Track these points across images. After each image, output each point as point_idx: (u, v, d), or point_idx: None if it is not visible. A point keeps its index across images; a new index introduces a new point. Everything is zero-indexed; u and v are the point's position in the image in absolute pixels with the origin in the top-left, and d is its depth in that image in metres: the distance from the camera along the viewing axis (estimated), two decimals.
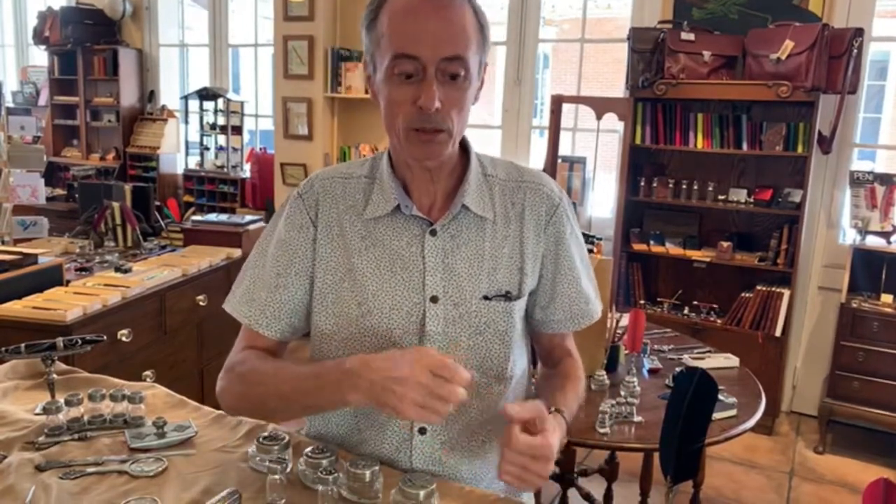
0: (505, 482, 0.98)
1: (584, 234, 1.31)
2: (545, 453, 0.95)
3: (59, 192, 5.76)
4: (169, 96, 5.82)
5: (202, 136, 5.51)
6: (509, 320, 1.13)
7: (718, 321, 3.73)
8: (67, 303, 2.39)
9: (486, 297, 1.11)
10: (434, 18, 0.98)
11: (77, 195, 4.03)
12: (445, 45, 0.98)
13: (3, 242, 3.27)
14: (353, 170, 1.18)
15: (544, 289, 1.18)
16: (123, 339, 2.52)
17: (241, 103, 5.35)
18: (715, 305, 3.82)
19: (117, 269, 2.86)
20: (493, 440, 1.17)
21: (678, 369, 1.70)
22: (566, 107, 3.94)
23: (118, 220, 3.42)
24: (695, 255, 3.80)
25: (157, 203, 4.14)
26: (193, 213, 5.10)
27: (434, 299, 1.10)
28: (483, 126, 4.81)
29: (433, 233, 1.10)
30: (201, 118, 5.48)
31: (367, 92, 1.11)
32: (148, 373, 2.65)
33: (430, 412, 0.92)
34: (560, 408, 1.09)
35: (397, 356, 0.95)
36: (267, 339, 1.16)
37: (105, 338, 1.52)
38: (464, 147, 1.16)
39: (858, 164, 3.77)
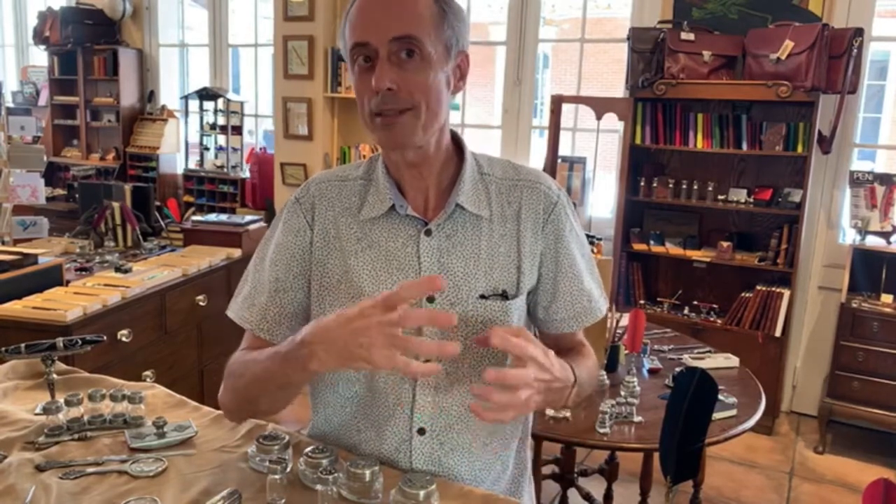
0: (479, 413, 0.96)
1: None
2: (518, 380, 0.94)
3: (59, 192, 5.77)
4: (169, 96, 5.82)
5: (202, 136, 5.51)
6: (506, 319, 1.12)
7: (718, 321, 3.73)
8: (67, 303, 2.39)
9: (482, 297, 1.11)
10: (381, 4, 1.02)
11: (77, 195, 4.03)
12: (391, 25, 1.00)
13: (3, 242, 3.27)
14: (349, 172, 1.18)
15: (545, 288, 1.17)
16: (123, 339, 2.52)
17: (241, 103, 5.35)
18: (715, 305, 3.82)
19: (117, 269, 2.86)
20: (493, 442, 1.17)
21: (678, 369, 1.70)
22: (566, 107, 3.94)
23: (118, 220, 3.42)
24: (695, 255, 3.80)
25: (157, 203, 4.15)
26: (193, 213, 5.11)
27: (430, 299, 1.10)
28: (483, 126, 4.82)
29: (428, 232, 1.11)
30: (201, 118, 5.48)
31: None
32: (148, 373, 2.65)
33: (401, 350, 0.90)
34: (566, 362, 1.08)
35: (347, 311, 0.93)
36: (267, 342, 1.16)
37: (105, 338, 1.52)
38: (458, 146, 1.16)
39: (858, 164, 3.77)
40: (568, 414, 1.95)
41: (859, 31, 3.32)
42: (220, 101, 5.36)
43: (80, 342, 1.38)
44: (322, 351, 0.94)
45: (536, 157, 4.41)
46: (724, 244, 3.68)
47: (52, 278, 2.61)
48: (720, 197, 3.76)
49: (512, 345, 0.95)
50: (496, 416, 0.95)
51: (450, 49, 1.05)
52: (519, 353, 0.95)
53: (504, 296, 1.12)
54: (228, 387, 1.14)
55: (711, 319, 3.76)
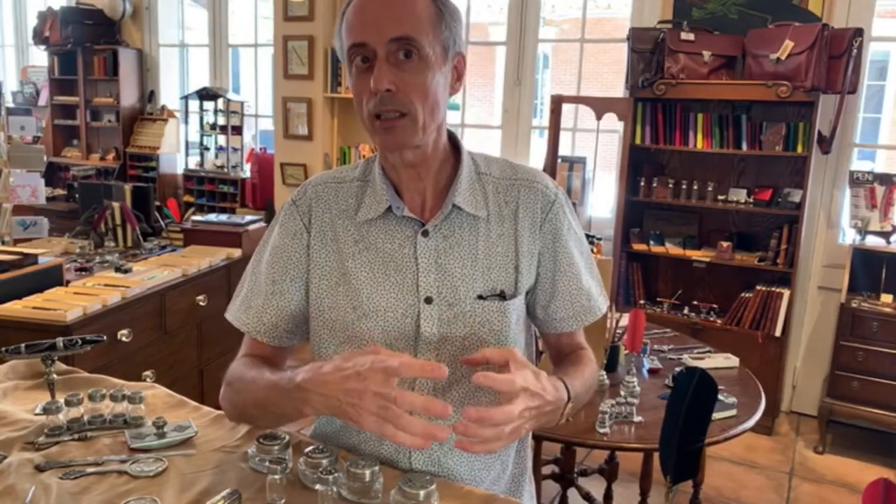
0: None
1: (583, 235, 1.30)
2: (501, 419, 0.91)
3: (59, 192, 5.76)
4: (169, 96, 5.82)
5: (202, 136, 5.51)
6: (504, 320, 1.12)
7: (718, 321, 3.73)
8: (67, 303, 2.39)
9: (480, 297, 1.11)
10: (379, 4, 1.01)
11: (77, 195, 4.03)
12: (390, 26, 1.00)
13: (3, 242, 3.26)
14: (346, 174, 1.18)
15: (544, 287, 1.17)
16: (123, 339, 2.52)
17: (241, 103, 5.35)
18: (715, 305, 3.82)
19: (117, 269, 2.86)
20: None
21: (678, 369, 1.70)
22: (566, 107, 3.94)
23: (118, 221, 3.42)
24: (695, 255, 3.80)
25: (157, 203, 4.14)
26: (193, 214, 5.11)
27: (428, 300, 1.10)
28: (483, 126, 4.82)
29: (425, 233, 1.10)
30: (201, 118, 5.48)
31: None
32: (148, 373, 2.65)
33: (391, 424, 0.89)
34: (560, 377, 1.06)
35: (347, 367, 0.92)
36: (266, 346, 1.17)
37: (105, 338, 1.52)
38: (455, 146, 1.16)
39: (858, 164, 3.77)
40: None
41: (859, 31, 3.32)
42: (220, 101, 5.36)
43: (80, 342, 1.38)
44: (317, 400, 0.95)
45: (536, 157, 4.41)
46: (724, 244, 3.68)
47: (52, 278, 2.60)
48: (720, 197, 3.76)
49: (498, 382, 0.92)
50: (483, 447, 0.93)
51: (447, 50, 1.05)
52: (507, 389, 0.92)
53: (502, 296, 1.12)
54: (228, 397, 1.14)
55: (711, 319, 3.76)
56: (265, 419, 1.11)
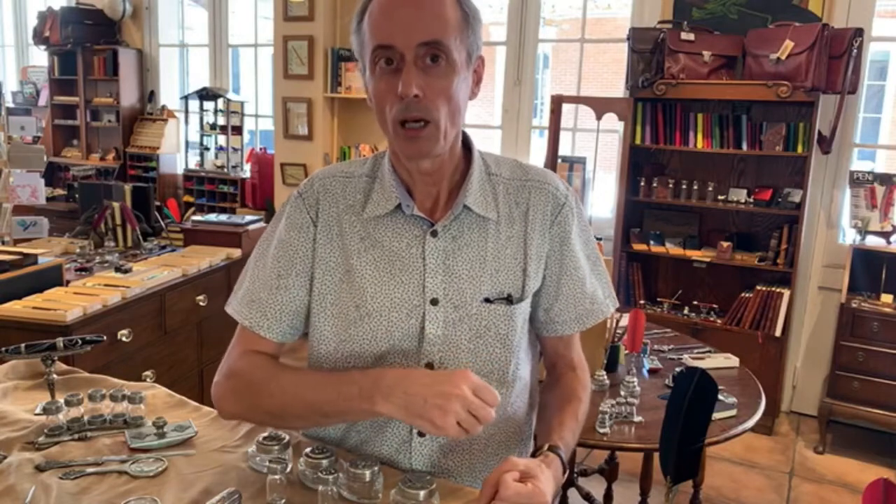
0: None
1: None
2: (537, 501, 0.92)
3: (59, 192, 5.76)
4: (169, 96, 5.82)
5: (202, 136, 5.52)
6: (511, 323, 1.11)
7: (718, 321, 3.73)
8: (67, 303, 2.39)
9: (487, 300, 1.10)
10: (408, 6, 0.99)
11: (77, 195, 4.03)
12: (420, 29, 0.98)
13: (3, 242, 3.26)
14: (354, 168, 1.16)
15: (548, 290, 1.16)
16: (123, 339, 2.52)
17: (241, 103, 5.35)
18: (715, 305, 3.82)
19: (117, 270, 2.85)
20: (492, 444, 1.16)
21: (678, 369, 1.70)
22: (566, 107, 3.94)
23: (118, 221, 3.42)
24: (695, 255, 3.80)
25: (157, 203, 4.14)
26: (193, 214, 5.11)
27: (434, 301, 1.08)
28: (483, 126, 4.82)
29: (434, 234, 1.09)
30: (201, 118, 5.49)
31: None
32: (148, 373, 2.65)
33: (465, 429, 0.95)
34: (556, 443, 1.06)
35: (441, 373, 0.98)
36: (267, 341, 1.14)
37: (105, 338, 1.52)
38: (467, 146, 1.14)
39: (858, 164, 3.77)
40: None
41: (859, 31, 3.31)
42: (220, 102, 5.36)
43: (80, 342, 1.38)
44: (399, 397, 0.96)
45: (536, 157, 4.41)
46: (724, 244, 3.68)
47: (52, 278, 2.60)
48: (720, 197, 3.76)
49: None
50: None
51: (471, 55, 1.04)
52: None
53: (509, 300, 1.11)
54: (250, 402, 1.10)
55: (711, 319, 3.76)
56: (302, 421, 1.11)
